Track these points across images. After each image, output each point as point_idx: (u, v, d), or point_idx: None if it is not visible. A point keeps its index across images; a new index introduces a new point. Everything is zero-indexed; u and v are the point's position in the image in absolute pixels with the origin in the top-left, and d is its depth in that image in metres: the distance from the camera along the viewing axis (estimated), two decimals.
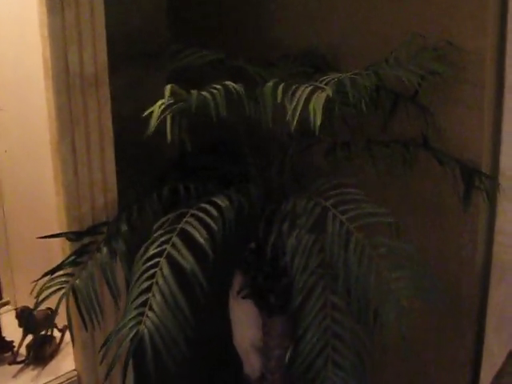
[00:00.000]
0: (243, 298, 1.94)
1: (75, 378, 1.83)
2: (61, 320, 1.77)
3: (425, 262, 1.55)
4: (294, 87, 1.50)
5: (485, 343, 2.02)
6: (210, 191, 1.72)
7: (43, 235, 1.74)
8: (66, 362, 1.88)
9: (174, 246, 1.51)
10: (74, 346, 1.74)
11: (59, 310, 1.63)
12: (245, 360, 2.09)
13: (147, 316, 1.42)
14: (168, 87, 1.51)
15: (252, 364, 2.07)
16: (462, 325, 2.00)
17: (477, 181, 1.80)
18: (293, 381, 2.01)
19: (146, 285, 1.46)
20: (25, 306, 1.84)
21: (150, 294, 1.44)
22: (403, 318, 1.45)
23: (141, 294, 1.46)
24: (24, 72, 1.80)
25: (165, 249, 1.51)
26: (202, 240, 1.51)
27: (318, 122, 1.38)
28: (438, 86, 1.86)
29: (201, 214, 1.57)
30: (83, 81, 1.69)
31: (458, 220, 1.94)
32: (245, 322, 2.05)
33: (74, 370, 1.85)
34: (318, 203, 1.61)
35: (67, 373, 1.84)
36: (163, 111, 1.47)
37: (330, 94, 1.42)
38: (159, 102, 1.49)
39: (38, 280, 1.67)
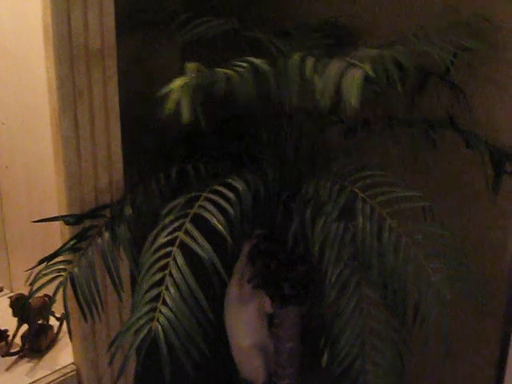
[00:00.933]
0: (254, 287, 1.80)
1: (74, 372, 1.70)
2: (59, 307, 1.64)
3: (462, 248, 1.40)
4: (324, 62, 1.35)
5: None
6: (222, 173, 1.58)
7: (40, 218, 1.61)
8: (64, 354, 1.75)
9: (187, 232, 1.37)
10: (71, 339, 1.62)
11: (58, 297, 1.52)
12: (245, 364, 1.97)
13: (160, 312, 1.29)
14: (190, 65, 1.33)
15: (254, 367, 1.96)
16: (490, 315, 1.88)
17: (508, 166, 1.67)
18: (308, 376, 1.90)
19: (157, 277, 1.33)
20: (20, 294, 1.71)
21: (163, 287, 1.31)
22: (446, 312, 1.33)
23: (152, 287, 1.32)
24: (22, 40, 1.66)
25: (177, 236, 1.37)
26: (220, 226, 1.37)
27: (354, 103, 1.23)
28: (470, 65, 1.73)
29: (216, 198, 1.43)
30: (88, 50, 1.55)
31: (488, 206, 1.82)
32: (246, 321, 1.93)
33: (73, 363, 1.72)
34: (344, 187, 1.47)
35: (65, 366, 1.71)
36: (184, 93, 1.26)
37: (370, 73, 1.27)
38: (179, 81, 1.27)
39: (33, 267, 1.55)
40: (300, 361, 1.89)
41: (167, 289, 1.30)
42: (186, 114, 1.28)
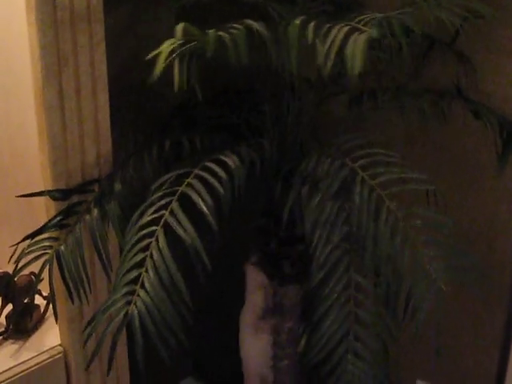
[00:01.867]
0: (253, 264, 1.71)
1: (61, 354, 1.63)
2: (47, 286, 1.55)
3: (464, 231, 1.30)
4: (327, 26, 1.24)
5: None
6: (218, 146, 1.48)
7: (25, 193, 1.52)
8: (51, 335, 1.68)
9: (172, 213, 1.28)
10: (56, 320, 1.53)
11: (45, 276, 1.45)
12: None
13: (138, 295, 1.20)
14: (180, 26, 1.23)
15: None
16: (493, 299, 1.80)
17: None
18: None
19: (138, 258, 1.24)
20: (4, 272, 1.63)
21: (143, 270, 1.22)
22: (440, 303, 1.24)
23: (132, 268, 1.23)
24: (4, 6, 1.56)
25: (162, 215, 1.28)
26: (205, 210, 1.27)
27: (358, 69, 1.12)
28: (480, 32, 1.62)
29: (206, 175, 1.33)
30: (73, 13, 1.45)
31: (496, 181, 1.73)
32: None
33: (60, 345, 1.64)
34: (344, 164, 1.37)
35: (52, 348, 1.63)
36: (172, 53, 1.19)
37: (375, 35, 1.15)
38: (168, 42, 1.20)
39: (18, 243, 1.47)
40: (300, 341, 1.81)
41: (147, 271, 1.22)
42: (177, 79, 1.21)
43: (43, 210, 1.58)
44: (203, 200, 1.28)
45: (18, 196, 1.54)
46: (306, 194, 1.37)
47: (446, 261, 1.25)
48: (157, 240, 1.24)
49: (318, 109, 1.63)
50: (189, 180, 1.33)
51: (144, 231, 1.27)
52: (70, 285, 1.43)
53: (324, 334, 1.32)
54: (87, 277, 1.45)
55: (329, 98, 1.65)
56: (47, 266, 1.43)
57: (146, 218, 1.29)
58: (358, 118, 1.64)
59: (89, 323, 1.25)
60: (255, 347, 1.88)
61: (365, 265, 1.30)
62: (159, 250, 1.23)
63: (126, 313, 1.18)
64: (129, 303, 1.19)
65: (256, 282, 1.84)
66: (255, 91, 1.67)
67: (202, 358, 2.60)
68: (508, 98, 1.66)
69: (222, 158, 1.38)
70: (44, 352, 1.61)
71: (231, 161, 1.37)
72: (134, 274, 1.22)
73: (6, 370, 1.54)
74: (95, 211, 1.46)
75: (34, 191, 1.53)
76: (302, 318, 1.77)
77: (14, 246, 1.47)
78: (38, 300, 1.72)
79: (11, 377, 1.53)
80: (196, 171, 1.35)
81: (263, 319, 1.82)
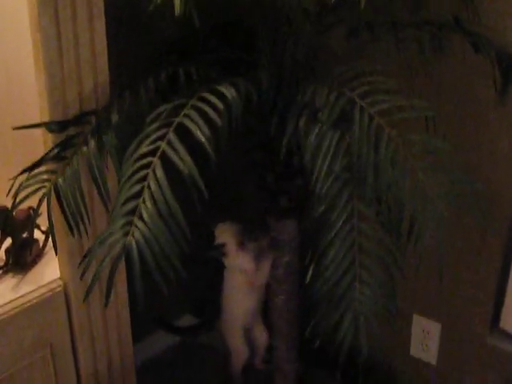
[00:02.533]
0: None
1: (60, 288, 1.62)
2: (45, 221, 1.53)
3: (463, 162, 1.28)
4: None
5: None
6: (214, 78, 1.45)
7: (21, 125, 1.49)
8: (51, 268, 1.66)
9: (169, 143, 1.26)
10: (56, 253, 1.52)
11: (43, 210, 1.43)
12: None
13: (136, 226, 1.19)
14: None
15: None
16: (490, 231, 1.81)
17: None
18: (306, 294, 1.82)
19: (136, 189, 1.22)
20: (2, 206, 1.61)
21: (141, 200, 1.21)
22: (443, 229, 1.23)
23: (129, 199, 1.22)
24: None
25: (159, 146, 1.26)
26: (202, 138, 1.25)
27: None
28: None
29: (203, 106, 1.31)
30: None
31: (495, 115, 1.72)
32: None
33: (60, 278, 1.63)
34: (342, 94, 1.34)
35: (52, 281, 1.62)
36: None
37: None
38: None
39: (15, 177, 1.45)
40: (297, 276, 1.81)
41: (144, 202, 1.20)
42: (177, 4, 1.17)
43: (40, 144, 1.55)
44: (200, 130, 1.26)
45: (15, 128, 1.50)
46: (303, 125, 1.35)
47: (447, 187, 1.24)
48: (154, 171, 1.22)
49: (314, 42, 1.60)
50: (185, 111, 1.31)
51: (141, 162, 1.25)
52: (69, 217, 1.42)
53: (330, 264, 1.31)
54: (86, 209, 1.43)
55: (326, 30, 1.61)
56: (45, 200, 1.41)
57: (143, 149, 1.27)
58: (355, 51, 1.60)
59: (85, 256, 1.25)
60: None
61: (366, 194, 1.28)
62: (156, 180, 1.21)
63: (124, 244, 1.17)
64: (126, 234, 1.18)
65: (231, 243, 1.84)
66: (251, 25, 1.63)
67: (200, 295, 2.60)
68: (508, 31, 1.63)
69: (219, 88, 1.35)
70: (44, 285, 1.60)
71: (228, 92, 1.34)
72: (132, 204, 1.21)
73: (5, 303, 1.53)
74: (92, 143, 1.43)
75: (28, 124, 1.49)
76: (299, 253, 1.78)
77: (11, 179, 1.44)
78: (37, 235, 1.71)
79: (11, 310, 1.52)
80: (192, 102, 1.33)
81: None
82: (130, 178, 1.24)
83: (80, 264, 1.28)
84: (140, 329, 1.93)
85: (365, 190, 1.28)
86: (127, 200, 1.22)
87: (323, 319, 1.35)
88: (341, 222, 1.30)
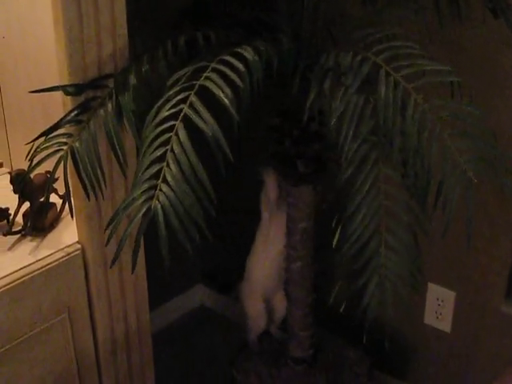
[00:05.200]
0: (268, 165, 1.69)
1: (78, 251, 1.61)
2: (63, 186, 1.52)
3: (491, 129, 1.26)
4: None
5: None
6: (234, 42, 1.43)
7: (38, 89, 1.48)
8: (68, 232, 1.66)
9: (191, 106, 1.24)
10: (72, 217, 1.51)
11: (60, 174, 1.41)
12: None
13: (160, 190, 1.17)
14: None
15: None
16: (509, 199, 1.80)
17: None
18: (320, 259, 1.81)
19: (158, 153, 1.21)
20: (20, 169, 1.60)
21: (164, 164, 1.19)
22: (471, 194, 1.22)
23: (153, 163, 1.20)
24: None
25: (181, 109, 1.24)
26: (226, 101, 1.23)
27: None
28: None
29: (224, 69, 1.29)
30: None
31: None
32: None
33: (78, 242, 1.63)
34: (367, 58, 1.32)
35: (69, 245, 1.62)
36: None
37: None
38: None
39: (33, 140, 1.43)
40: (313, 242, 1.80)
41: (168, 165, 1.19)
42: None
43: (57, 109, 1.54)
44: (223, 91, 1.24)
45: (32, 91, 1.49)
46: (327, 88, 1.33)
47: (474, 152, 1.23)
48: (176, 134, 1.21)
49: (333, 5, 1.57)
50: (206, 74, 1.29)
51: (163, 126, 1.23)
52: (86, 181, 1.41)
53: (356, 228, 1.30)
54: (102, 173, 1.42)
55: None
56: (61, 164, 1.40)
57: (164, 113, 1.25)
58: (371, 18, 1.57)
59: (110, 222, 1.23)
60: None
61: (393, 158, 1.27)
62: (180, 143, 1.20)
63: (149, 208, 1.16)
64: (151, 198, 1.17)
65: (271, 183, 1.84)
66: None
67: (212, 265, 2.61)
68: None
69: (240, 51, 1.33)
70: (62, 249, 1.59)
71: (249, 54, 1.32)
72: (155, 168, 1.20)
73: (24, 267, 1.53)
74: (109, 106, 1.42)
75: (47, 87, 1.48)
76: (315, 218, 1.77)
77: (28, 143, 1.43)
78: (55, 199, 1.69)
79: (29, 273, 1.52)
80: (213, 65, 1.30)
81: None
82: (152, 142, 1.22)
83: (106, 228, 1.26)
84: (156, 296, 1.93)
85: (391, 154, 1.27)
86: (150, 164, 1.20)
87: (348, 284, 1.34)
88: (368, 185, 1.29)
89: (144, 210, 1.16)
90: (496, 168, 1.26)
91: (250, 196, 1.98)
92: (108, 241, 1.27)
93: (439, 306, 2.04)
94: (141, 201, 1.17)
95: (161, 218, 1.15)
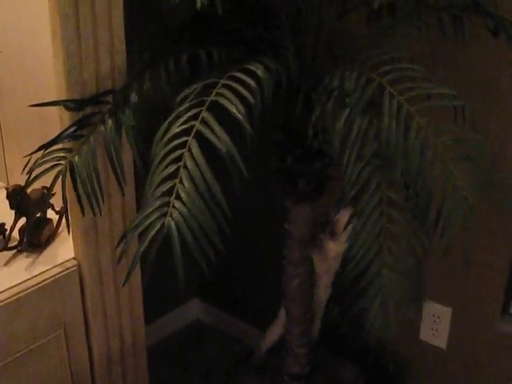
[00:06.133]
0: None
1: (75, 267, 1.67)
2: (59, 201, 1.60)
3: (491, 153, 1.33)
4: None
5: None
6: (237, 59, 1.49)
7: (37, 103, 1.54)
8: (65, 248, 1.72)
9: (204, 122, 1.30)
10: (69, 232, 1.58)
11: (57, 190, 1.47)
12: None
13: (174, 206, 1.23)
14: None
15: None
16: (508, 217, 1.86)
17: None
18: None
19: (171, 169, 1.27)
20: (17, 185, 1.66)
21: (177, 181, 1.25)
22: (470, 218, 1.29)
23: (165, 180, 1.26)
24: None
25: (193, 125, 1.30)
26: (239, 116, 1.30)
27: None
28: None
29: (235, 85, 1.35)
30: None
31: None
32: None
33: (74, 258, 1.69)
34: (371, 79, 1.39)
35: (66, 261, 1.68)
36: None
37: None
38: None
39: (31, 154, 1.49)
40: (312, 260, 1.86)
41: (181, 182, 1.24)
42: None
43: (54, 123, 1.59)
44: (236, 108, 1.30)
45: (31, 105, 1.54)
46: (331, 108, 1.40)
47: (476, 177, 1.30)
48: (189, 150, 1.26)
49: (337, 24, 1.64)
50: (217, 90, 1.35)
51: (174, 143, 1.29)
52: (83, 196, 1.45)
53: (359, 249, 1.36)
54: (100, 188, 1.47)
55: (348, 13, 1.66)
56: (59, 178, 1.44)
57: (175, 130, 1.31)
58: (375, 37, 1.64)
59: (121, 240, 1.28)
60: None
61: (395, 180, 1.34)
62: (193, 159, 1.25)
63: (162, 225, 1.20)
64: (164, 215, 1.21)
65: None
66: (271, 4, 1.67)
67: (208, 280, 2.65)
68: None
69: (250, 67, 1.39)
70: (58, 265, 1.65)
71: (260, 70, 1.38)
72: (167, 186, 1.24)
73: (20, 283, 1.57)
74: (110, 122, 1.47)
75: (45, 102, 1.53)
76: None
77: (26, 156, 1.48)
78: (51, 215, 1.75)
79: (25, 289, 1.57)
80: (223, 81, 1.37)
81: None
82: (163, 159, 1.28)
83: (117, 245, 1.31)
84: (152, 310, 1.98)
85: (393, 177, 1.33)
86: (162, 181, 1.25)
87: (350, 305, 1.40)
88: (370, 207, 1.35)
89: (157, 227, 1.21)
90: (496, 191, 1.32)
91: (250, 210, 2.02)
92: (119, 260, 1.32)
93: (435, 323, 2.10)
94: (153, 218, 1.22)
95: (175, 234, 1.20)
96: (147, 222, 1.22)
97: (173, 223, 1.21)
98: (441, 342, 2.12)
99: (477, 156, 1.33)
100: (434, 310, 2.09)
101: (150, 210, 1.23)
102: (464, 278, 2.00)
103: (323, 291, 1.87)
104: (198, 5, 1.30)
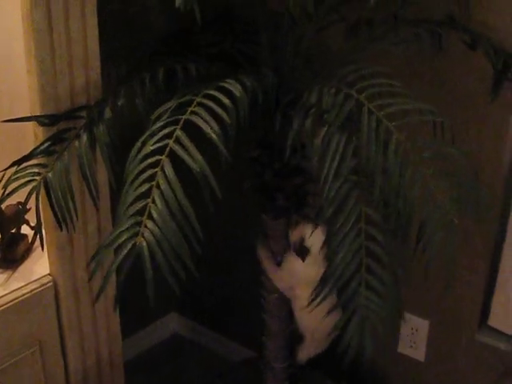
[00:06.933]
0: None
1: (50, 283, 1.60)
2: (34, 217, 1.50)
3: (472, 168, 1.29)
4: None
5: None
6: (214, 75, 1.43)
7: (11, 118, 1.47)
8: (40, 264, 1.65)
9: (177, 141, 1.24)
10: (42, 249, 1.51)
11: (32, 205, 1.41)
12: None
13: (146, 226, 1.17)
14: None
15: None
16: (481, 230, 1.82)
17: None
18: None
19: (143, 188, 1.20)
20: None
21: (150, 200, 1.18)
22: (452, 237, 1.24)
23: (137, 199, 1.20)
24: None
25: (167, 144, 1.24)
26: (214, 136, 1.24)
27: None
28: None
29: (210, 104, 1.29)
30: None
31: (497, 118, 1.72)
32: None
33: (49, 274, 1.62)
34: (350, 96, 1.33)
35: (41, 277, 1.61)
36: None
37: None
38: None
39: (4, 170, 1.43)
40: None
41: (154, 202, 1.18)
42: None
43: (29, 138, 1.53)
44: (211, 127, 1.25)
45: (4, 121, 1.48)
46: (309, 125, 1.34)
47: (456, 193, 1.25)
48: (162, 169, 1.20)
49: (315, 40, 1.58)
50: (192, 108, 1.29)
51: (148, 161, 1.23)
52: (58, 212, 1.40)
53: (337, 268, 1.30)
54: (74, 205, 1.41)
55: (325, 27, 1.60)
56: (34, 194, 1.39)
57: (149, 148, 1.24)
58: (353, 51, 1.59)
59: (93, 258, 1.22)
60: None
61: (374, 198, 1.28)
62: (166, 178, 1.19)
63: (134, 245, 1.15)
64: (135, 235, 1.16)
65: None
66: (250, 19, 1.61)
67: (186, 294, 2.61)
68: (499, 27, 1.63)
69: (226, 86, 1.33)
70: (33, 281, 1.59)
71: (235, 89, 1.33)
72: (140, 205, 1.19)
73: None
74: (84, 138, 1.41)
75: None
76: None
77: (0, 172, 1.42)
78: (26, 230, 1.69)
79: (0, 306, 1.51)
80: (198, 99, 1.30)
81: None
82: (136, 177, 1.22)
83: (88, 264, 1.26)
84: (129, 324, 1.92)
85: (372, 194, 1.28)
86: (134, 200, 1.19)
87: None
88: (349, 225, 1.29)
89: (129, 246, 1.15)
90: (477, 206, 1.28)
91: (226, 223, 1.97)
92: (90, 278, 1.28)
93: (413, 335, 2.06)
94: (125, 237, 1.16)
95: (146, 254, 1.14)
96: (120, 241, 1.16)
97: (144, 243, 1.15)
98: (419, 354, 2.07)
99: (457, 171, 1.28)
100: (411, 322, 2.04)
101: (122, 228, 1.17)
102: (441, 290, 1.95)
103: (305, 313, 1.78)
104: (177, 4, 1.24)
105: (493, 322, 1.95)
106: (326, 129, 1.30)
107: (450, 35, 1.60)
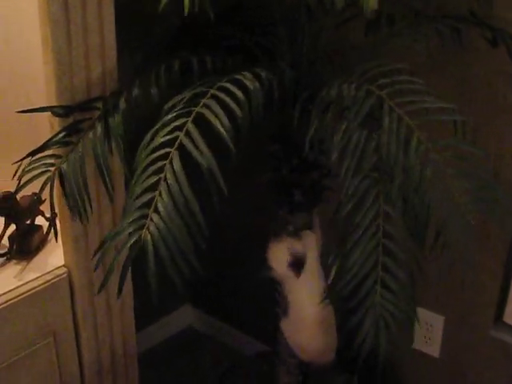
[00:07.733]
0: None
1: (65, 275, 1.53)
2: (49, 208, 1.45)
3: (492, 169, 1.22)
4: None
5: None
6: (230, 68, 1.37)
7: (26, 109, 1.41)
8: (55, 255, 1.57)
9: (188, 134, 1.16)
10: (56, 240, 1.46)
11: (47, 197, 1.37)
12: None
13: (151, 219, 1.11)
14: None
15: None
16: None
17: None
18: None
19: (151, 181, 1.14)
20: (6, 192, 1.50)
21: (157, 193, 1.12)
22: (470, 238, 1.16)
23: (145, 191, 1.13)
24: None
25: (177, 137, 1.16)
26: (223, 131, 1.16)
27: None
28: None
29: (223, 96, 1.21)
30: None
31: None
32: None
33: (64, 265, 1.54)
34: (371, 92, 1.24)
35: (56, 269, 1.53)
36: None
37: None
38: None
39: (20, 161, 1.36)
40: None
41: (160, 195, 1.12)
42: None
43: (44, 130, 1.47)
44: (221, 122, 1.17)
45: (19, 111, 1.42)
46: (329, 121, 1.26)
47: (475, 194, 1.17)
48: (171, 162, 1.14)
49: (334, 35, 1.51)
50: (205, 100, 1.21)
51: (157, 153, 1.16)
52: (71, 203, 1.34)
53: (354, 264, 1.23)
54: (88, 196, 1.36)
55: (345, 23, 1.52)
56: (48, 185, 1.33)
57: (159, 140, 1.17)
58: (375, 45, 1.51)
59: (98, 249, 1.16)
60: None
61: (393, 195, 1.20)
62: (174, 172, 1.13)
63: (139, 238, 1.09)
64: (141, 227, 1.10)
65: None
66: (268, 11, 1.53)
67: (200, 287, 2.56)
68: None
69: (241, 78, 1.25)
70: (48, 273, 1.52)
71: (251, 83, 1.24)
72: (147, 197, 1.13)
73: (10, 290, 1.45)
74: (99, 128, 1.35)
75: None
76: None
77: (15, 163, 1.36)
78: (41, 221, 1.61)
79: (14, 297, 1.45)
80: (212, 91, 1.23)
81: None
82: (145, 169, 1.15)
83: (94, 255, 1.20)
84: (143, 317, 1.86)
85: (391, 192, 1.20)
86: (142, 192, 1.13)
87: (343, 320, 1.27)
88: (367, 222, 1.22)
89: (133, 240, 1.10)
90: (496, 206, 1.21)
91: (240, 216, 1.91)
92: (95, 268, 1.22)
93: (428, 331, 1.98)
94: (130, 230, 1.11)
95: (150, 249, 1.09)
96: (125, 233, 1.11)
97: (149, 237, 1.09)
98: (434, 350, 1.99)
99: (478, 172, 1.20)
100: (426, 318, 1.97)
101: (129, 220, 1.12)
102: (457, 285, 1.88)
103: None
104: (186, 11, 1.18)
105: (508, 318, 1.88)
106: (346, 125, 1.22)
107: (471, 31, 1.53)
